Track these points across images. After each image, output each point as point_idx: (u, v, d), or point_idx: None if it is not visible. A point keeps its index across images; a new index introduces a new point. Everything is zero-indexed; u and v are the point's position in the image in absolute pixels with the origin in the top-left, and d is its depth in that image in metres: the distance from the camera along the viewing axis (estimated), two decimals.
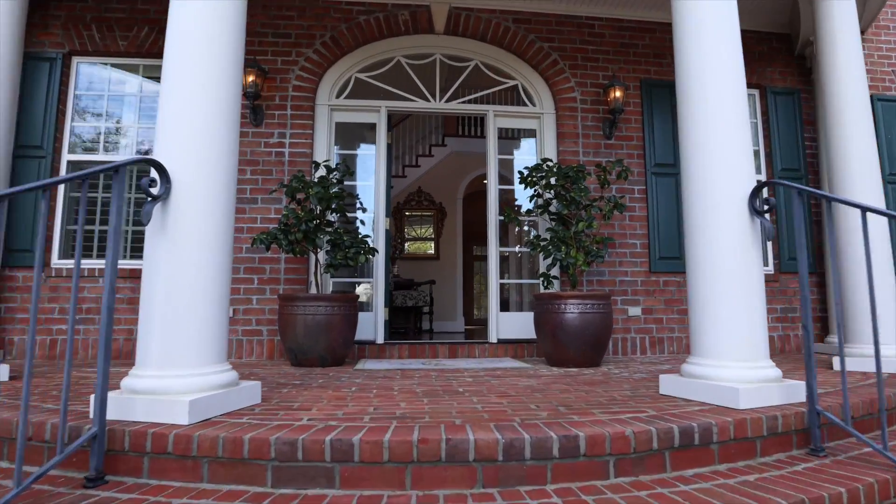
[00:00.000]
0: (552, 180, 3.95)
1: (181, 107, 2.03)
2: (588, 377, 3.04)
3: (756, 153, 5.01)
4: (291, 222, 3.55)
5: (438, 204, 9.11)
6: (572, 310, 3.53)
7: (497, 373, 3.29)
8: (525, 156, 5.30)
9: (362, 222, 4.77)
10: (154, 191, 1.95)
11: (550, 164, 4.13)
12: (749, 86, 5.04)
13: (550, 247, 3.83)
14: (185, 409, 1.74)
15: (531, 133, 5.07)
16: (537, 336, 3.83)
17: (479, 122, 9.34)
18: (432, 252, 9.16)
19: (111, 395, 1.84)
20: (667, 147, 4.76)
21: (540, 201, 4.40)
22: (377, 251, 3.93)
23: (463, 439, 1.55)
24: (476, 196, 10.96)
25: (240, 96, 2.28)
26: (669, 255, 4.62)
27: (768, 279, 4.73)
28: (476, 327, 12.47)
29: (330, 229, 3.87)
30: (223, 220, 2.05)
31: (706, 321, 2.17)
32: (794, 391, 2.08)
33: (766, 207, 2.16)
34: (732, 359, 2.09)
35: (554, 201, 4.15)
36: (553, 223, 4.02)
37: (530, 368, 3.52)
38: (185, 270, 1.93)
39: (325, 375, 3.15)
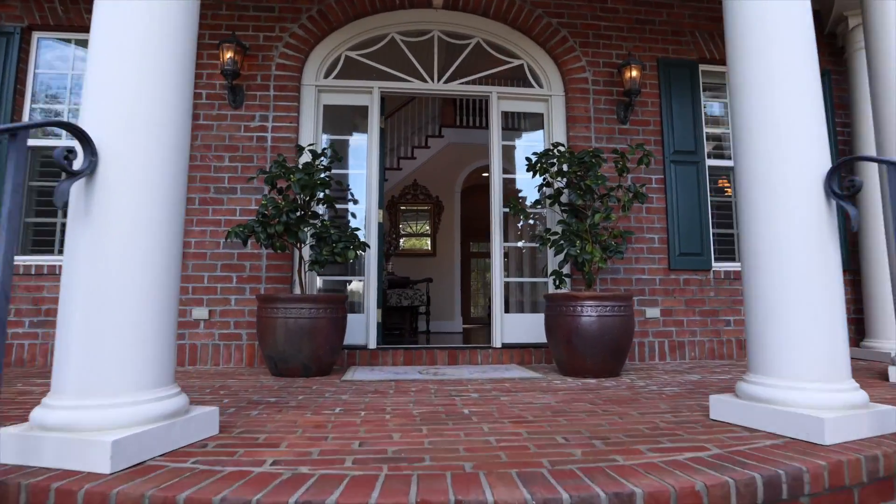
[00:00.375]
0: (564, 167, 3.52)
1: (113, 59, 1.59)
2: (612, 391, 2.63)
3: None
4: (270, 213, 3.10)
5: (435, 198, 8.68)
6: (589, 313, 3.12)
7: (505, 385, 2.87)
8: (529, 143, 4.87)
9: (353, 215, 4.32)
10: (75, 165, 1.51)
11: (562, 148, 3.70)
12: None
13: (563, 241, 3.41)
14: (106, 453, 1.31)
15: (537, 120, 4.64)
16: (548, 341, 3.41)
17: (479, 110, 8.90)
18: (429, 248, 8.72)
19: (12, 430, 1.41)
20: (686, 133, 4.34)
21: (550, 191, 3.98)
22: (368, 246, 3.49)
23: (479, 502, 1.13)
24: (475, 190, 10.53)
25: (193, 52, 1.84)
26: (690, 250, 4.21)
27: None
28: (474, 326, 12.05)
29: (315, 221, 3.43)
30: (169, 203, 1.61)
31: (773, 332, 1.76)
32: (886, 419, 1.67)
33: (847, 190, 1.75)
34: (809, 379, 1.68)
35: (565, 191, 3.72)
36: (565, 215, 3.60)
37: (542, 379, 3.10)
38: (116, 268, 1.49)
39: (307, 389, 2.72)
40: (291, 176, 3.13)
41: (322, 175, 3.58)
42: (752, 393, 1.79)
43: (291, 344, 3.15)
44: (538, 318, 4.19)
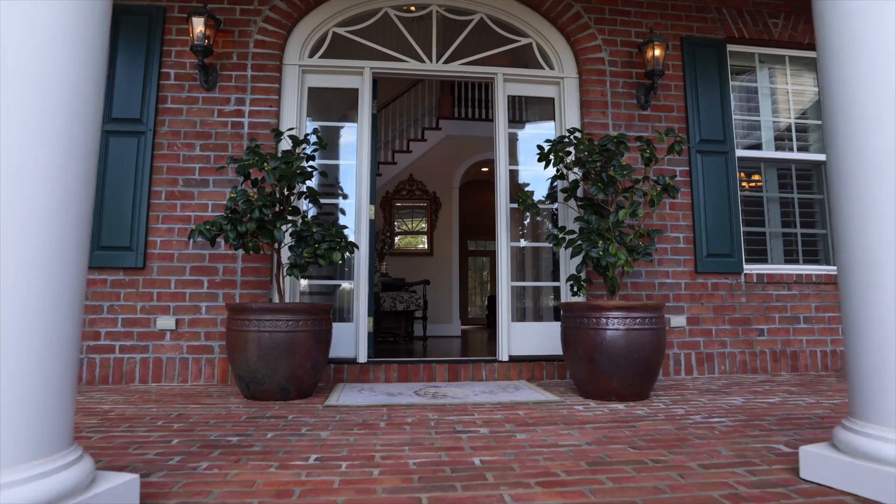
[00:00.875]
0: (583, 155, 3.07)
1: None
2: (649, 424, 2.18)
3: (819, 127, 4.17)
4: (241, 208, 2.63)
5: (432, 194, 8.21)
6: (616, 326, 2.66)
7: (518, 412, 2.41)
8: (536, 133, 4.41)
9: (342, 211, 3.83)
10: None
11: (579, 135, 3.24)
12: (804, 47, 4.19)
13: (582, 242, 2.96)
14: None
15: (547, 108, 4.18)
16: (565, 356, 2.96)
17: (479, 101, 8.42)
18: (425, 247, 8.26)
19: None
20: (714, 120, 3.89)
21: (564, 184, 3.52)
22: (357, 247, 3.03)
23: None
24: (474, 185, 10.07)
25: None
26: (719, 251, 3.77)
27: (827, 280, 3.89)
28: (472, 327, 11.62)
29: (295, 218, 2.96)
30: (53, 190, 1.13)
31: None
32: None
33: None
34: None
35: (582, 183, 3.26)
36: (583, 211, 3.14)
37: (560, 403, 2.65)
38: None
39: (280, 420, 2.25)
40: (265, 165, 2.65)
41: (305, 164, 3.11)
42: (866, 450, 1.34)
43: (266, 363, 2.68)
44: (549, 328, 3.73)
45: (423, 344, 5.37)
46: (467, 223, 9.38)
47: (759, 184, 4.08)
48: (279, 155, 2.97)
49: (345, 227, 3.05)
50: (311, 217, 3.85)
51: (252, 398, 2.77)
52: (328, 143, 3.00)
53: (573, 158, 3.10)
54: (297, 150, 3.07)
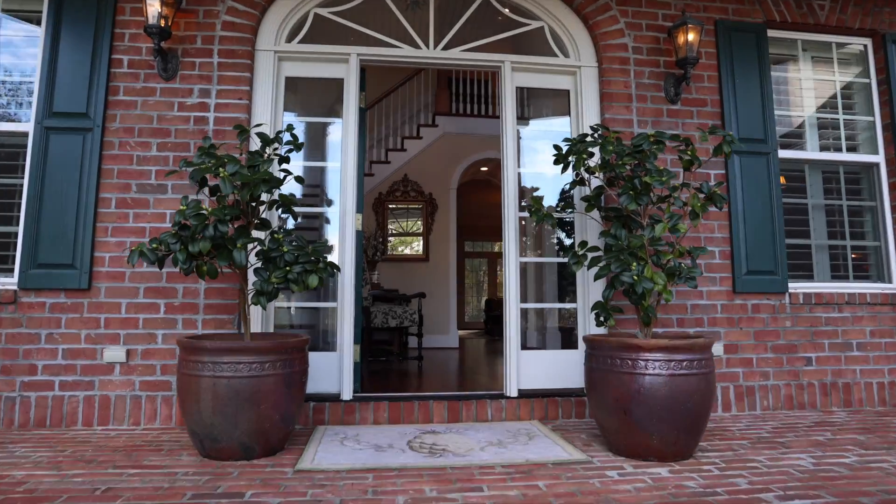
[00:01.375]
0: (610, 157, 2.55)
1: None
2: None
3: (870, 125, 3.67)
4: (190, 224, 2.10)
5: (428, 195, 7.69)
6: (657, 370, 2.16)
7: (537, 484, 1.90)
8: (545, 129, 3.90)
9: (328, 220, 3.32)
10: None
11: (601, 132, 2.72)
12: (854, 32, 3.69)
13: (611, 261, 2.44)
14: None
15: (560, 102, 3.67)
16: (589, 398, 2.46)
17: (479, 96, 7.89)
18: (421, 252, 7.74)
19: None
20: (754, 115, 3.39)
21: (585, 190, 3.01)
22: (338, 269, 2.51)
23: None
24: (472, 186, 9.56)
25: None
26: (760, 268, 3.27)
27: (884, 301, 3.39)
28: (469, 333, 11.10)
29: (263, 235, 2.44)
30: None
31: None
32: None
33: None
34: None
35: (607, 190, 2.75)
36: (612, 223, 2.63)
37: (587, 466, 2.14)
38: None
39: (234, 500, 1.74)
40: (221, 170, 2.13)
41: (278, 167, 2.59)
42: None
43: (224, 416, 2.16)
44: (563, 357, 3.23)
45: (418, 364, 4.86)
46: (463, 223, 8.87)
47: (798, 190, 3.58)
48: (244, 157, 2.45)
49: (327, 244, 2.53)
50: (292, 228, 3.34)
51: (208, 457, 2.25)
52: (313, 142, 2.49)
53: (598, 161, 2.59)
54: (266, 151, 2.55)
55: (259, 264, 2.44)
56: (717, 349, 3.21)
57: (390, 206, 7.68)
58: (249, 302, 2.39)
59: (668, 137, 2.52)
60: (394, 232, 7.85)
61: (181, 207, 2.18)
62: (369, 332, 4.69)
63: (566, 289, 4.14)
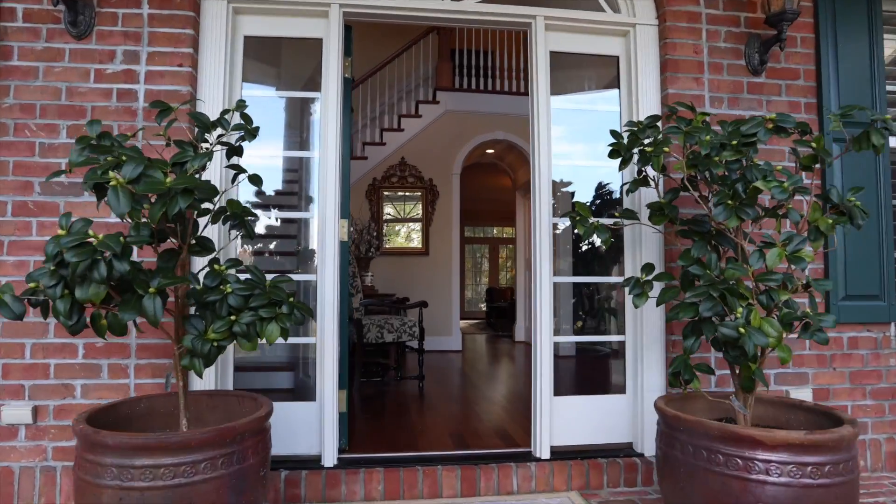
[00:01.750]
0: (706, 149, 1.77)
1: None
2: None
3: None
4: (71, 259, 1.32)
5: (428, 181, 6.88)
6: (782, 476, 1.44)
7: None
8: (576, 106, 3.09)
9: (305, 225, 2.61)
10: None
11: (678, 113, 1.93)
12: None
13: (698, 300, 1.70)
14: None
15: (603, 71, 2.86)
16: (663, 491, 1.76)
17: (487, 67, 7.00)
18: (419, 245, 6.97)
19: None
20: (860, 92, 2.60)
21: (651, 192, 2.24)
22: (312, 315, 1.75)
23: None
24: (476, 168, 8.72)
25: None
26: (861, 291, 2.54)
27: None
28: (471, 325, 10.41)
29: (204, 271, 1.67)
30: None
31: None
32: None
33: None
34: None
35: (691, 192, 1.98)
36: (693, 242, 1.88)
37: None
38: None
39: None
40: (111, 173, 1.34)
41: (228, 162, 1.81)
42: None
43: None
44: (606, 405, 2.53)
45: (419, 384, 4.15)
46: (464, 208, 8.07)
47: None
48: (168, 149, 1.66)
49: (289, 278, 1.75)
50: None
51: None
52: (257, 126, 1.71)
53: (689, 158, 1.81)
54: (208, 140, 1.77)
55: (193, 311, 1.68)
56: (805, 394, 2.51)
57: (386, 193, 6.87)
58: (180, 364, 1.63)
59: (793, 123, 1.74)
60: (390, 217, 7.05)
61: (60, 232, 1.40)
62: (361, 348, 3.97)
63: (597, 308, 3.41)
